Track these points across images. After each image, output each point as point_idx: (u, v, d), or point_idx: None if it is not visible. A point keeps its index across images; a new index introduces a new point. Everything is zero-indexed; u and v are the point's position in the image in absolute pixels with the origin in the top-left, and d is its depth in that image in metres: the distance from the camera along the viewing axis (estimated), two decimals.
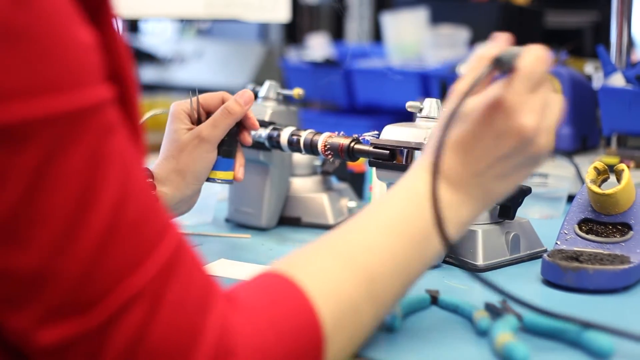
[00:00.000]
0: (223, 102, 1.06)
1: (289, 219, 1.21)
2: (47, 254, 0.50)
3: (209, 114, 1.06)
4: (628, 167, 1.03)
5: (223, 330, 0.56)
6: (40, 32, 0.49)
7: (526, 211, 1.17)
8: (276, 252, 1.08)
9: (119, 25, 0.57)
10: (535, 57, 0.70)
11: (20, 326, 0.52)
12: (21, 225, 0.50)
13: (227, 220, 1.24)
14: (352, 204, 1.23)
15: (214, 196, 1.24)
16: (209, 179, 1.06)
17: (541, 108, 0.70)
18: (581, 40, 2.36)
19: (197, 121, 1.05)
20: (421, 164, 0.72)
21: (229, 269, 0.99)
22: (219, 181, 1.06)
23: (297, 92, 1.16)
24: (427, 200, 0.68)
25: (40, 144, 0.49)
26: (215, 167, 1.05)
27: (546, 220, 1.21)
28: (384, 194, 0.85)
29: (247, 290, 0.62)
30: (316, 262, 0.65)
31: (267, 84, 1.19)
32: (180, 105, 1.05)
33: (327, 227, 1.17)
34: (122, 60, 0.57)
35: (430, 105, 0.98)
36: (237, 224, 1.22)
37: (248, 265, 1.00)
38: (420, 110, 0.98)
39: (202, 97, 1.06)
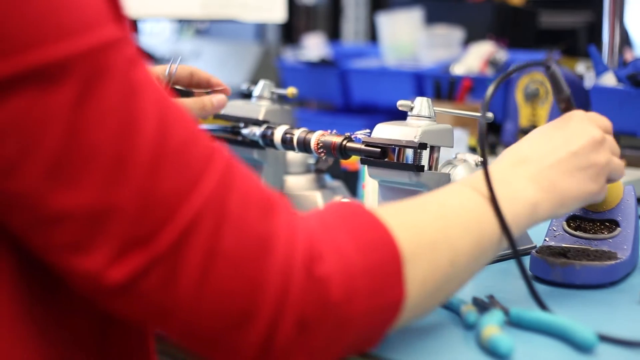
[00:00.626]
0: (192, 75, 1.10)
1: None
2: (101, 189, 0.52)
3: (176, 83, 1.10)
4: None
5: (295, 232, 0.59)
6: None
7: None
8: None
9: None
10: (603, 117, 0.86)
11: (89, 270, 0.53)
12: (70, 164, 0.52)
13: None
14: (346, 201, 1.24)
15: None
16: None
17: (607, 139, 0.84)
18: (575, 40, 2.37)
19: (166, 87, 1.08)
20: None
21: None
22: None
23: (290, 91, 1.17)
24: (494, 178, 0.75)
25: (72, 82, 0.51)
26: None
27: None
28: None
29: (322, 210, 0.64)
30: (392, 205, 0.69)
31: (261, 83, 1.20)
32: (154, 70, 1.08)
33: None
34: (120, 5, 0.59)
35: (421, 104, 0.99)
36: None
37: None
38: (411, 109, 0.99)
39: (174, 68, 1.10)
